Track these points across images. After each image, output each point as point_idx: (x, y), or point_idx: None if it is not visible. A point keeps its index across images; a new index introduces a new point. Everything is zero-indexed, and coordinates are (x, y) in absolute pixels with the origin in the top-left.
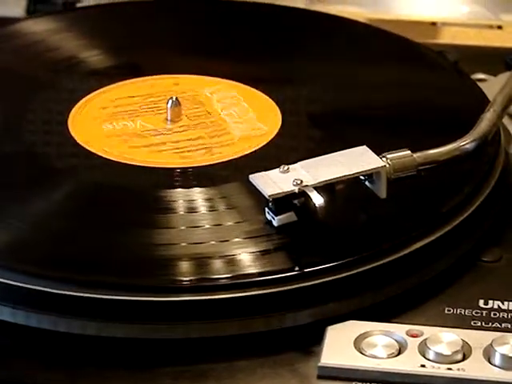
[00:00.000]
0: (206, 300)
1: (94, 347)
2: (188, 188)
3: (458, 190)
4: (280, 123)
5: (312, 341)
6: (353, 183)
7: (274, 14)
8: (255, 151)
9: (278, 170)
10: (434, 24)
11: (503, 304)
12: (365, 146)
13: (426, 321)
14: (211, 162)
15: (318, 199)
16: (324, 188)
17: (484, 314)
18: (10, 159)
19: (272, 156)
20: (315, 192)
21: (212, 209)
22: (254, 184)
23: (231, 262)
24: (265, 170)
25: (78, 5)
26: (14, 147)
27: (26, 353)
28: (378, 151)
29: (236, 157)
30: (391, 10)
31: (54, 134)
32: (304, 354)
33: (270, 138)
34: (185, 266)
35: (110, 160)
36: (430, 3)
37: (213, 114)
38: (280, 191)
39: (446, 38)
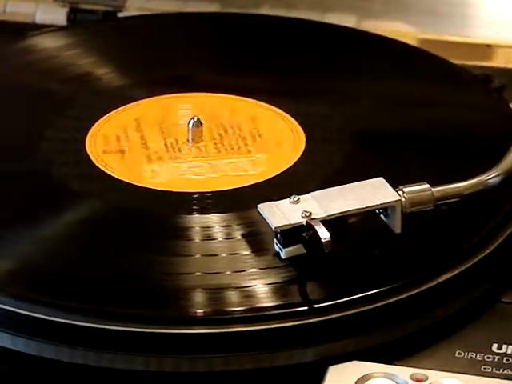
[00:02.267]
0: (206, 334)
1: (104, 379)
2: (204, 214)
3: (480, 226)
4: (304, 146)
5: (312, 380)
6: (367, 216)
7: (294, 28)
8: (278, 175)
9: (288, 200)
10: (489, 46)
11: None
12: (381, 178)
13: (433, 364)
14: (230, 187)
15: (324, 234)
16: (335, 221)
17: (496, 360)
18: (25, 178)
19: (292, 182)
20: (322, 226)
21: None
22: (262, 214)
23: (230, 295)
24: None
25: (120, 14)
26: (28, 167)
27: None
28: (399, 177)
29: (258, 181)
30: (446, 30)
31: (69, 152)
32: None
33: (298, 156)
34: (189, 299)
35: (125, 183)
36: (486, 25)
37: (236, 133)
38: (287, 223)
39: (500, 61)
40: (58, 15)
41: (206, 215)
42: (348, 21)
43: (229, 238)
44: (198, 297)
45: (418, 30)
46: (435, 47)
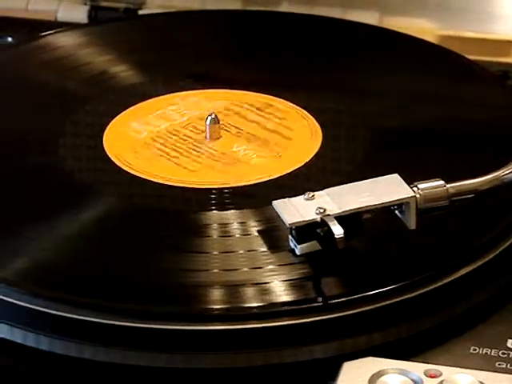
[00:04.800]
0: (218, 330)
1: (118, 375)
2: (222, 211)
3: (496, 222)
4: (320, 142)
5: (327, 375)
6: (382, 212)
7: (316, 25)
8: (294, 171)
9: (302, 196)
10: (507, 42)
11: None
12: (396, 175)
13: (447, 360)
14: (248, 183)
15: (338, 230)
16: (349, 217)
17: (511, 355)
18: (41, 175)
19: (308, 178)
20: (336, 223)
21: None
22: (276, 211)
23: (246, 292)
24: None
25: (141, 12)
26: (43, 163)
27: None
28: (416, 173)
29: (274, 177)
30: (465, 26)
31: (88, 150)
32: None
33: (315, 151)
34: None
35: (143, 179)
36: (505, 21)
37: (254, 129)
38: (301, 219)
39: None
40: (79, 13)
41: (224, 212)
42: (370, 18)
43: (246, 234)
44: (214, 294)
45: (437, 26)
46: (454, 43)
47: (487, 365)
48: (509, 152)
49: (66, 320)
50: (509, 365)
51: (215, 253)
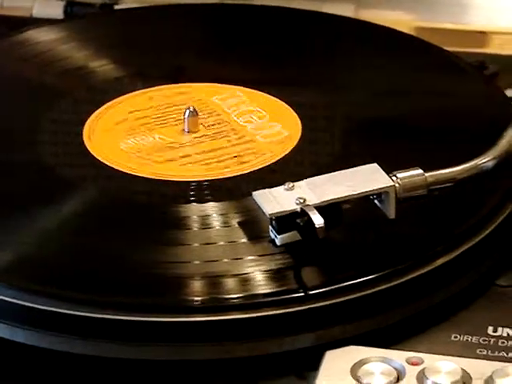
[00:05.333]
0: (199, 322)
1: (98, 368)
2: (202, 203)
3: (475, 210)
4: (299, 134)
5: (309, 365)
6: (361, 202)
7: (292, 18)
8: (273, 163)
9: (282, 187)
10: (483, 33)
11: None
12: (375, 164)
13: (429, 348)
14: (231, 175)
15: (318, 220)
16: (329, 207)
17: (491, 342)
18: (22, 170)
19: (287, 169)
20: (316, 212)
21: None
22: (256, 201)
23: (227, 283)
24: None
25: (117, 7)
26: (25, 158)
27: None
28: (394, 164)
29: (262, 166)
30: (440, 18)
31: (68, 144)
32: (299, 379)
33: (295, 143)
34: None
35: (123, 172)
36: (480, 12)
37: (230, 122)
38: (281, 210)
39: (494, 47)
40: (54, 9)
41: (203, 204)
42: (346, 10)
43: (225, 226)
44: (195, 285)
45: (413, 17)
46: (431, 35)
47: (468, 352)
48: (486, 141)
49: (42, 313)
50: (490, 351)
51: (196, 245)
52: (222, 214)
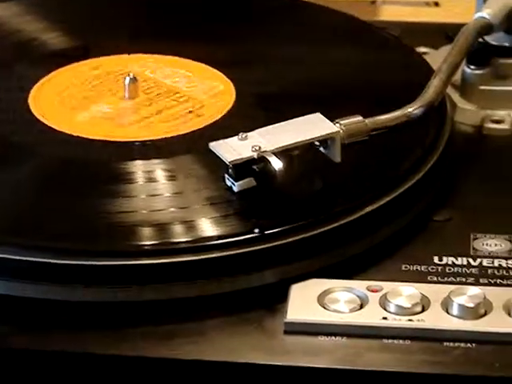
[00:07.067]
0: (170, 263)
1: (65, 311)
2: (148, 160)
3: (410, 155)
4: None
5: (277, 299)
6: (308, 150)
7: None
8: (212, 124)
9: (236, 137)
10: (373, 2)
11: (457, 260)
12: (319, 114)
13: (384, 277)
14: (169, 135)
15: (277, 163)
16: (281, 154)
17: (439, 270)
18: None
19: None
20: (274, 157)
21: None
22: (215, 151)
23: (196, 226)
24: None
25: None
26: None
27: None
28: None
29: (195, 129)
30: None
31: (15, 111)
32: (270, 311)
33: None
34: (149, 230)
35: (69, 135)
36: None
37: (167, 87)
38: (240, 157)
39: (385, 15)
40: None
41: (148, 160)
42: None
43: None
44: (172, 229)
45: None
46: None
47: (421, 279)
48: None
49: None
50: (439, 277)
51: (167, 195)
52: (168, 170)
